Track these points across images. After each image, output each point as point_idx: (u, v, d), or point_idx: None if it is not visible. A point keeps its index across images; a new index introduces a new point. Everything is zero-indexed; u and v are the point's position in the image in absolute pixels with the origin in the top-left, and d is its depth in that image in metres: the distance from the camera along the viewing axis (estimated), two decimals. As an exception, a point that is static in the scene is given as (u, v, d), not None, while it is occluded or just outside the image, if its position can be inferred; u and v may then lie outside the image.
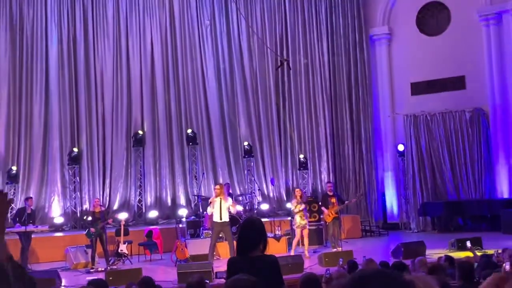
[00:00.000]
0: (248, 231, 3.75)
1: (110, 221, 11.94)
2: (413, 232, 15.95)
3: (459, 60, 16.24)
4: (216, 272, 9.67)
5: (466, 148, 16.17)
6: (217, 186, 11.39)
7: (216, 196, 11.10)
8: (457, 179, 16.22)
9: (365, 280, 1.38)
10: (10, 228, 12.26)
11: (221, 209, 10.98)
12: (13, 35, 15.52)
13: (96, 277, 9.15)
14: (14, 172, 15.06)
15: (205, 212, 14.18)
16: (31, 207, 12.33)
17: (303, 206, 12.02)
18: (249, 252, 3.68)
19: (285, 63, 12.86)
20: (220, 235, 11.48)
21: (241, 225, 3.84)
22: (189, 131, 16.28)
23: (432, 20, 16.99)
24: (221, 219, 11.01)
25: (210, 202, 11.24)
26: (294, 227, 12.15)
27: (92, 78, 16.07)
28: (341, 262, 7.81)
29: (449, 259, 7.43)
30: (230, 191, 15.19)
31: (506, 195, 15.54)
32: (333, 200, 12.69)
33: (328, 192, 13.06)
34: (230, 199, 11.40)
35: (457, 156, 16.24)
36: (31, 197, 12.98)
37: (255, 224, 3.80)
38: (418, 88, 17.00)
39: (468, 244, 9.02)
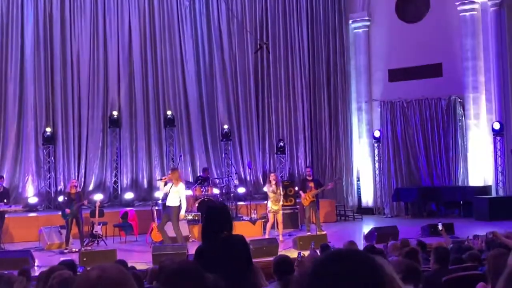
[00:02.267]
0: (211, 215, 3.79)
1: (85, 202, 11.85)
2: (386, 217, 16.14)
3: (437, 47, 16.35)
4: (188, 255, 9.67)
5: (441, 135, 16.35)
6: (169, 172, 11.37)
7: (164, 180, 11.10)
8: (431, 165, 16.43)
9: (338, 258, 1.39)
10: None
11: (168, 193, 10.97)
12: (-13, 11, 15.21)
13: (69, 258, 9.10)
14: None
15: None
16: (3, 185, 12.17)
17: (276, 187, 11.96)
18: (215, 235, 3.72)
19: (264, 47, 12.79)
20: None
21: (205, 211, 3.88)
22: (169, 113, 16.18)
23: (411, 7, 17.04)
24: (166, 202, 11.06)
25: (165, 183, 11.19)
26: (267, 211, 12.19)
27: (68, 57, 15.85)
28: (312, 246, 7.89)
29: (420, 244, 7.55)
30: (208, 174, 15.20)
31: (479, 183, 15.78)
32: (311, 184, 12.80)
33: (307, 177, 13.15)
34: (181, 185, 11.20)
35: (432, 143, 16.43)
36: (2, 176, 12.82)
37: (218, 209, 3.84)
38: (396, 75, 17.10)
39: (440, 226, 9.15)
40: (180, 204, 10.95)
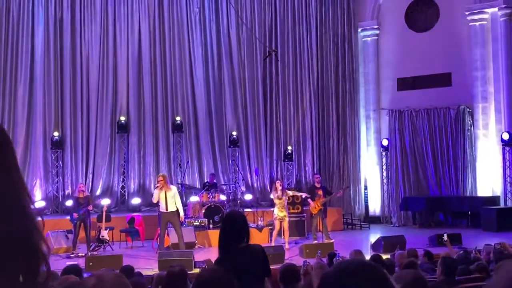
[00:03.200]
0: (230, 225, 3.77)
1: (90, 207, 11.79)
2: (394, 226, 16.07)
3: (446, 57, 16.32)
4: (195, 262, 9.65)
5: (449, 145, 16.29)
6: (159, 178, 11.19)
7: (160, 188, 10.99)
8: (439, 175, 16.35)
9: (349, 272, 1.38)
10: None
11: (166, 200, 10.92)
12: (-2, 16, 15.34)
13: (75, 262, 9.12)
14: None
15: (188, 201, 14.21)
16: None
17: (284, 197, 11.98)
18: (234, 245, 3.70)
19: (273, 54, 12.82)
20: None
21: (223, 220, 3.86)
22: (178, 118, 16.22)
23: (421, 16, 17.04)
24: (167, 209, 10.94)
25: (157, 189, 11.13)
26: (274, 218, 12.17)
27: (78, 62, 15.93)
28: (319, 254, 7.85)
29: (428, 254, 7.51)
30: (215, 180, 15.20)
31: (487, 193, 15.69)
32: (320, 192, 12.75)
33: (316, 184, 13.09)
34: (174, 188, 11.27)
35: (440, 153, 16.37)
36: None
37: (237, 218, 3.81)
38: (404, 84, 17.08)
39: (445, 237, 9.09)
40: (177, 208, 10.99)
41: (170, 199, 10.92)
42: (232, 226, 3.76)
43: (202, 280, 2.45)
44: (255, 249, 3.78)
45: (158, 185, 11.06)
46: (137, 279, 4.46)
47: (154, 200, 11.26)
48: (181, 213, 11.17)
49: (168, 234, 11.76)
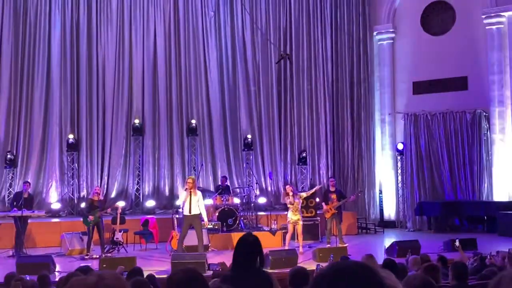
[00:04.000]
0: (243, 247, 3.80)
1: (109, 210, 11.90)
2: (409, 231, 15.96)
3: (462, 60, 16.20)
4: (209, 264, 9.68)
5: (465, 149, 16.15)
6: (189, 180, 11.36)
7: (187, 189, 11.09)
8: (455, 179, 16.21)
9: (341, 273, 1.38)
10: (6, 212, 12.32)
11: (190, 203, 11.00)
12: (16, 19, 15.55)
13: (89, 264, 9.19)
14: (12, 156, 15.09)
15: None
16: (28, 191, 12.32)
17: (297, 200, 11.96)
18: (245, 267, 3.72)
19: (286, 58, 12.83)
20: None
21: (237, 242, 3.88)
22: (193, 121, 16.29)
23: (436, 19, 16.94)
24: (190, 212, 11.03)
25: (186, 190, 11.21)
26: (287, 222, 12.16)
27: (94, 65, 16.07)
28: (331, 258, 7.82)
29: (442, 259, 7.44)
30: (228, 183, 15.23)
31: (503, 198, 15.53)
32: (334, 196, 12.69)
33: (330, 188, 13.02)
34: (199, 193, 11.39)
35: (456, 157, 16.23)
36: (29, 182, 12.98)
37: (249, 242, 3.83)
38: (420, 87, 16.97)
39: (457, 243, 9.01)
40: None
41: (194, 203, 11.02)
42: (244, 249, 3.79)
43: (174, 280, 2.46)
44: (265, 276, 3.79)
45: (186, 187, 11.14)
46: (140, 279, 4.47)
47: (179, 202, 11.31)
48: (205, 218, 11.32)
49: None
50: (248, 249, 3.77)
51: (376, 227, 16.23)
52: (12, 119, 15.42)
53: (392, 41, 17.47)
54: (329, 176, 16.26)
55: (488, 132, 15.99)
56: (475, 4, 16.14)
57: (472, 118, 16.12)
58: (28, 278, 6.36)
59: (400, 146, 16.84)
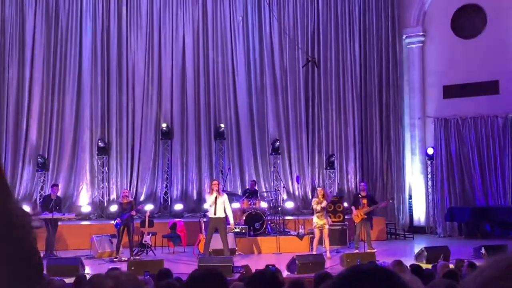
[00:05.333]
0: (257, 283, 3.70)
1: (133, 212, 11.96)
2: (439, 237, 15.73)
3: (494, 64, 15.92)
4: (233, 267, 9.67)
5: (497, 154, 15.86)
6: (215, 182, 11.51)
7: (212, 193, 11.16)
8: (486, 185, 15.92)
9: (359, 275, 1.36)
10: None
11: (216, 205, 11.05)
12: (48, 26, 15.86)
13: (118, 266, 9.29)
14: (44, 160, 15.37)
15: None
16: (57, 194, 12.52)
17: (324, 203, 11.92)
18: None
19: (311, 61, 12.82)
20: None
21: (253, 276, 3.80)
22: (222, 125, 16.37)
23: (467, 22, 16.69)
24: (215, 214, 11.08)
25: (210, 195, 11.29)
26: (313, 226, 12.11)
27: (124, 70, 16.29)
28: (358, 263, 7.76)
29: (471, 265, 7.32)
30: (256, 187, 15.24)
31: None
32: (364, 201, 12.54)
33: (361, 193, 12.84)
34: (225, 195, 11.44)
35: (487, 162, 15.94)
36: (57, 184, 13.20)
37: (267, 277, 3.71)
38: (451, 92, 16.73)
39: (483, 250, 8.84)
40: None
41: (220, 205, 11.09)
42: (260, 286, 3.68)
43: (193, 276, 2.48)
44: None
45: (213, 188, 11.22)
46: (169, 282, 4.50)
47: (207, 206, 11.39)
48: (231, 220, 11.43)
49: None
50: (264, 286, 3.63)
51: (406, 233, 16.04)
52: (44, 123, 15.72)
53: (421, 44, 17.28)
54: (359, 181, 16.11)
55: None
56: (507, 6, 15.86)
57: (504, 123, 15.84)
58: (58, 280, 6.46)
59: (430, 151, 16.62)
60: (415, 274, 5.36)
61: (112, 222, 12.21)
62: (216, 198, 11.09)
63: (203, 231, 12.04)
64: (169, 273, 6.04)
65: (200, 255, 11.32)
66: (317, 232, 11.95)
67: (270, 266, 5.64)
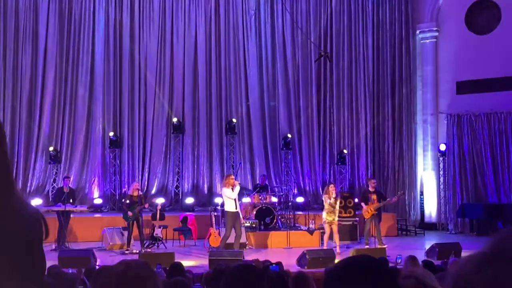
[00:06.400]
0: None
1: (146, 205, 12.04)
2: (450, 234, 15.65)
3: (508, 60, 15.76)
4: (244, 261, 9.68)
5: (510, 150, 15.73)
6: (232, 176, 11.57)
7: (235, 186, 11.17)
8: (499, 182, 15.80)
9: (355, 265, 1.38)
10: (50, 206, 12.64)
11: (235, 199, 11.09)
12: (61, 18, 15.93)
13: (129, 258, 9.33)
14: (56, 152, 15.46)
15: (240, 202, 14.29)
16: (69, 185, 12.60)
17: (334, 200, 11.89)
18: None
19: (324, 56, 12.78)
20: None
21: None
22: (234, 120, 16.36)
23: (481, 18, 16.54)
24: (236, 208, 11.13)
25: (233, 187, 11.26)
26: (323, 222, 12.10)
27: (136, 63, 16.33)
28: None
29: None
30: (267, 182, 15.25)
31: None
32: (374, 197, 12.50)
33: (370, 189, 12.78)
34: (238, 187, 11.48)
35: (500, 159, 15.82)
36: (69, 177, 13.29)
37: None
38: (464, 87, 16.60)
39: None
40: None
41: (237, 199, 11.14)
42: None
43: (228, 273, 2.47)
44: None
45: (234, 183, 11.24)
46: (181, 279, 4.50)
47: (231, 198, 11.27)
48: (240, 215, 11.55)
49: (219, 234, 11.89)
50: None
51: (417, 229, 15.98)
52: (56, 116, 15.81)
53: (435, 40, 17.15)
54: (369, 177, 16.05)
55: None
56: (522, 2, 15.70)
57: (518, 119, 15.69)
58: (70, 271, 6.52)
59: (443, 147, 16.52)
60: (427, 269, 5.34)
61: (122, 215, 12.22)
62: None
63: (214, 224, 12.07)
64: (180, 268, 6.06)
65: (211, 249, 11.34)
66: (327, 228, 11.96)
67: (274, 264, 5.58)
